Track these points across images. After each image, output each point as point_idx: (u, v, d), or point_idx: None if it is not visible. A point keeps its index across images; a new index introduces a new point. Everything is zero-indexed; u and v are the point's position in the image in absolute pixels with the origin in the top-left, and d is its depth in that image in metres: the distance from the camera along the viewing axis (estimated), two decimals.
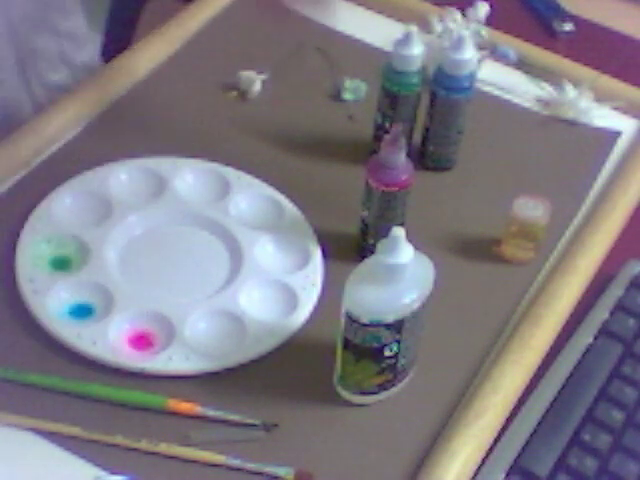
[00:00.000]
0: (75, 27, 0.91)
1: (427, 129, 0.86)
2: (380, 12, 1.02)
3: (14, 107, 0.86)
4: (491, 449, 0.69)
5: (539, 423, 0.70)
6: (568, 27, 1.04)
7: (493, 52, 0.97)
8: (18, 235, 0.77)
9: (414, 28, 0.82)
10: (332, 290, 0.75)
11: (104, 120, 0.88)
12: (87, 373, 0.70)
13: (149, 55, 0.94)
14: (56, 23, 0.88)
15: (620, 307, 0.77)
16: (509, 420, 0.71)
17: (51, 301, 0.73)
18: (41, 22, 0.87)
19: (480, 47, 0.93)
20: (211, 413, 0.69)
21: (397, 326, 0.67)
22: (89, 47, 0.93)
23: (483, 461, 0.68)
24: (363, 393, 0.71)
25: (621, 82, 0.96)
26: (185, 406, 0.69)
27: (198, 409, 0.69)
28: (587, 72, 0.95)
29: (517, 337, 0.75)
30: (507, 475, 0.67)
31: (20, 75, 0.85)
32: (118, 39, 1.04)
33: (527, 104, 0.95)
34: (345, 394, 0.71)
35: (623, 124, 0.94)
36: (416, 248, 0.66)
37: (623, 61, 1.00)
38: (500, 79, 0.96)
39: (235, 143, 0.87)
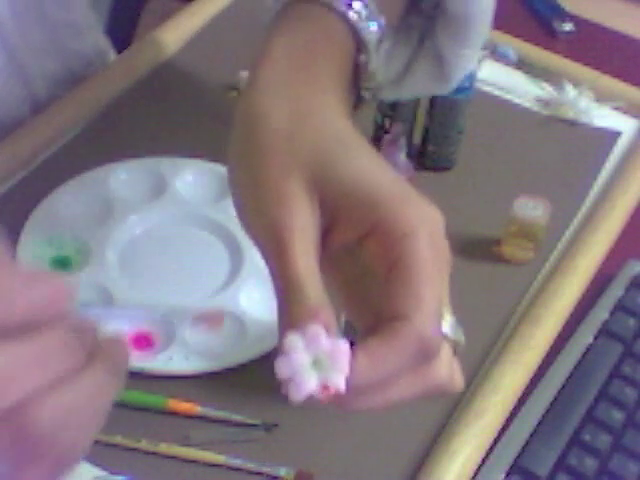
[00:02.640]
0: (72, 16, 0.90)
1: (427, 129, 0.86)
2: None
3: (11, 102, 0.86)
4: (491, 449, 0.69)
5: (539, 423, 0.70)
6: (568, 27, 1.04)
7: (493, 52, 0.97)
8: (18, 235, 0.77)
9: None
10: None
11: (104, 120, 0.88)
12: None
13: (148, 55, 0.93)
14: (50, 13, 0.87)
15: (620, 307, 0.77)
16: (509, 420, 0.71)
17: None
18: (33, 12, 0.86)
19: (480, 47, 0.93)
20: (211, 413, 0.69)
21: None
22: (87, 37, 0.92)
23: (483, 461, 0.68)
24: None
25: (621, 82, 0.96)
26: (185, 406, 0.69)
27: (198, 409, 0.69)
28: (587, 72, 0.95)
29: (517, 337, 0.75)
30: (507, 475, 0.67)
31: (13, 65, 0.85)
32: (118, 39, 1.03)
33: (527, 104, 0.95)
34: None
35: (623, 124, 0.94)
36: None
37: (623, 61, 1.00)
38: (500, 79, 0.96)
39: None
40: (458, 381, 0.53)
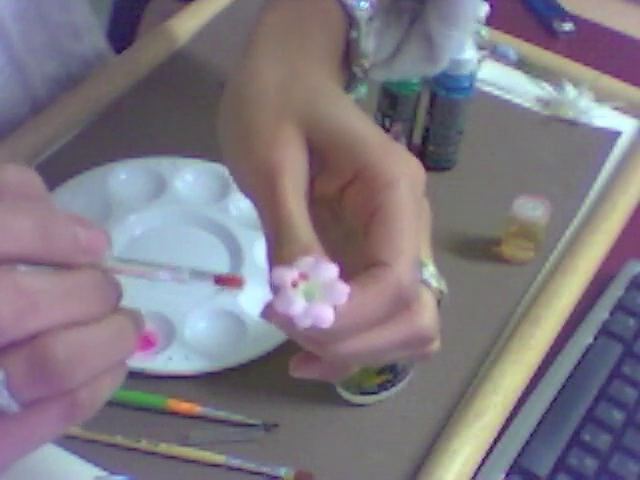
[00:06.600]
0: (72, 18, 0.90)
1: (427, 129, 0.86)
2: None
3: (11, 103, 0.86)
4: (491, 449, 0.69)
5: (539, 423, 0.70)
6: (568, 27, 1.04)
7: (493, 52, 0.97)
8: None
9: None
10: None
11: (104, 120, 0.88)
12: None
13: (149, 55, 0.93)
14: (50, 15, 0.88)
15: (620, 307, 0.77)
16: (509, 420, 0.71)
17: None
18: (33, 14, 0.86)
19: (480, 47, 0.93)
20: (211, 413, 0.69)
21: None
22: (87, 38, 0.92)
23: (483, 461, 0.68)
24: (363, 393, 0.71)
25: (621, 82, 0.96)
26: (185, 406, 0.69)
27: (198, 409, 0.69)
28: (587, 72, 0.95)
29: (517, 337, 0.75)
30: (507, 475, 0.67)
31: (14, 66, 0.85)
32: (119, 39, 1.03)
33: (527, 104, 0.95)
34: (345, 394, 0.71)
35: (623, 124, 0.94)
36: None
37: (623, 61, 1.00)
38: (500, 79, 0.96)
39: None
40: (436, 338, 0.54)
